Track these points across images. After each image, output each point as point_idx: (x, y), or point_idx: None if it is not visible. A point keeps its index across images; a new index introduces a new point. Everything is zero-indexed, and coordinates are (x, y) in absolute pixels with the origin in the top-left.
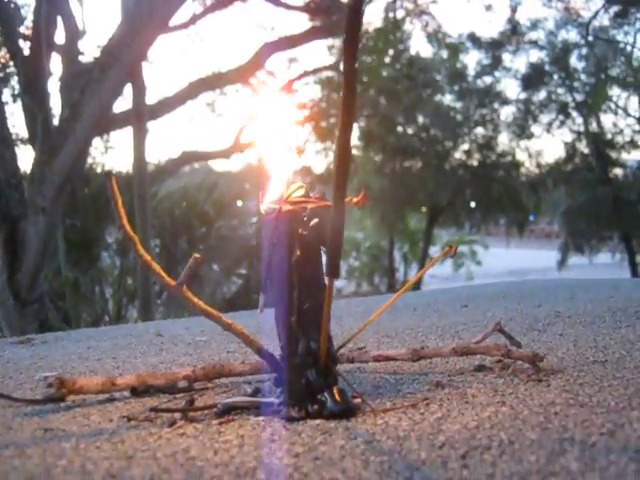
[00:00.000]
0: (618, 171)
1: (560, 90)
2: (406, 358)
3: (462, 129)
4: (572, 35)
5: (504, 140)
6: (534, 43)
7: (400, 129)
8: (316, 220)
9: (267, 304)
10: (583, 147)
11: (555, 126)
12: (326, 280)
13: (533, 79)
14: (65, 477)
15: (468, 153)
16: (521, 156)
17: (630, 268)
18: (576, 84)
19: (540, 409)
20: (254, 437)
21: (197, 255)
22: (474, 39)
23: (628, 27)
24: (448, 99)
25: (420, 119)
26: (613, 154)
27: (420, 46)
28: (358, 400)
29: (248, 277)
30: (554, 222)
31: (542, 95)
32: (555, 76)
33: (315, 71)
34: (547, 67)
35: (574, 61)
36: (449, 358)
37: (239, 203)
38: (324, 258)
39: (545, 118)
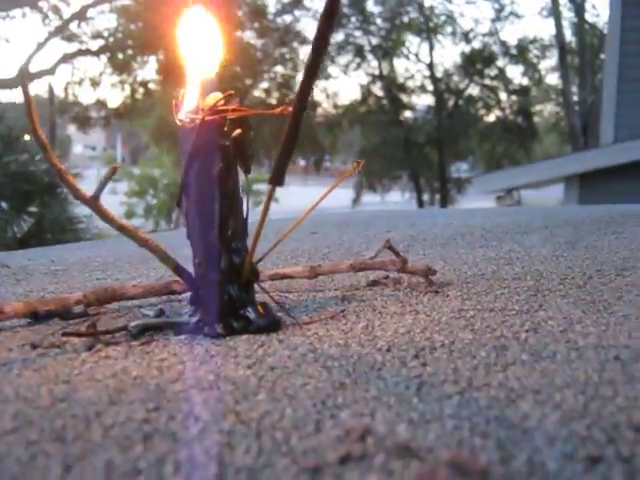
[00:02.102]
0: (409, 114)
1: (357, 33)
2: (303, 275)
3: (262, 67)
4: None
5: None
6: None
7: None
8: (238, 131)
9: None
10: (377, 90)
11: (351, 68)
12: (268, 187)
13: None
14: (6, 406)
15: (267, 92)
16: (319, 96)
17: (418, 205)
18: (372, 28)
19: (456, 314)
20: (189, 354)
21: (116, 165)
22: None
23: None
24: (248, 36)
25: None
26: (405, 97)
27: None
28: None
29: (40, 215)
30: (348, 161)
31: (340, 37)
32: (352, 19)
33: None
34: (345, 10)
35: (370, 5)
36: (340, 275)
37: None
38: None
39: (342, 60)
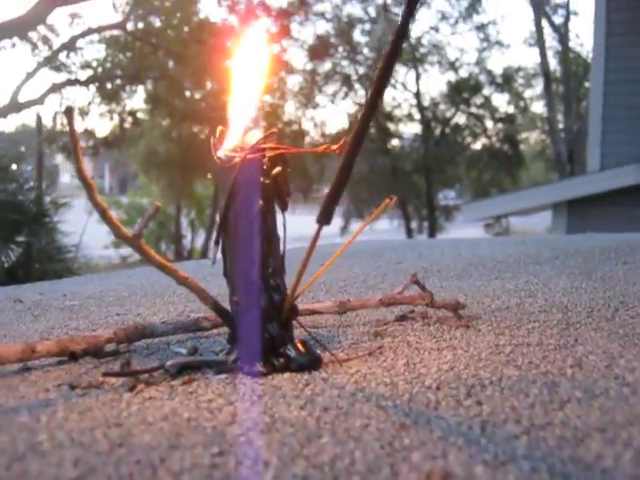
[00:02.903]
0: (396, 142)
1: (344, 62)
2: (332, 311)
3: None
4: (357, 10)
5: (290, 109)
6: (321, 15)
7: (188, 94)
8: (278, 168)
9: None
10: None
11: (339, 97)
12: (316, 226)
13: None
14: (64, 452)
15: (255, 120)
16: (307, 125)
17: (406, 232)
18: (359, 57)
19: (494, 350)
20: (235, 394)
21: (157, 203)
22: (264, 7)
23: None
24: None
25: (209, 84)
26: (392, 126)
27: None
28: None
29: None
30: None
31: (327, 66)
32: (340, 49)
33: (100, 29)
34: (332, 39)
35: (357, 35)
36: (368, 310)
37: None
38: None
39: (330, 89)
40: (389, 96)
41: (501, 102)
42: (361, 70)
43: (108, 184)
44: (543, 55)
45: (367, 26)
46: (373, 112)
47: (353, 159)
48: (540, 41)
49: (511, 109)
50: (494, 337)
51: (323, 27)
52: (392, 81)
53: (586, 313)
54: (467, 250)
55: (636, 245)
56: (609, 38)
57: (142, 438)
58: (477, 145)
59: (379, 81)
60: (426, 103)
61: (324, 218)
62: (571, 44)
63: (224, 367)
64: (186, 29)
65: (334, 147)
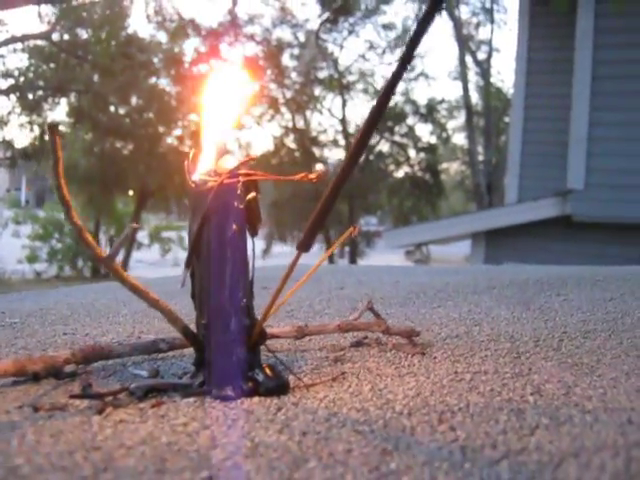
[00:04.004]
0: (320, 167)
1: (272, 85)
2: (291, 336)
3: (176, 114)
4: (286, 34)
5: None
6: (251, 37)
7: (113, 109)
8: (253, 194)
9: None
10: (290, 142)
11: (265, 119)
12: (295, 251)
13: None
14: (46, 476)
15: (181, 139)
16: (231, 146)
17: (328, 260)
18: (287, 81)
19: (454, 377)
20: (209, 418)
21: (135, 224)
22: (194, 26)
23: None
24: (164, 83)
25: (134, 100)
26: (317, 151)
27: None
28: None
29: None
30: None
31: (255, 88)
32: (268, 71)
33: (24, 38)
34: (260, 62)
35: (286, 59)
36: (323, 336)
37: None
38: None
39: (256, 111)
40: (315, 121)
41: (424, 132)
42: (288, 94)
43: (24, 197)
44: (466, 89)
45: (296, 51)
46: (360, 153)
47: (336, 194)
48: (463, 75)
49: (433, 139)
50: (451, 364)
51: (252, 49)
52: (318, 107)
53: (533, 343)
54: (404, 278)
55: (567, 278)
56: (529, 76)
57: (126, 462)
58: (399, 173)
59: (369, 124)
60: (351, 130)
61: (304, 246)
62: (493, 80)
63: (191, 390)
64: (113, 43)
65: (311, 176)
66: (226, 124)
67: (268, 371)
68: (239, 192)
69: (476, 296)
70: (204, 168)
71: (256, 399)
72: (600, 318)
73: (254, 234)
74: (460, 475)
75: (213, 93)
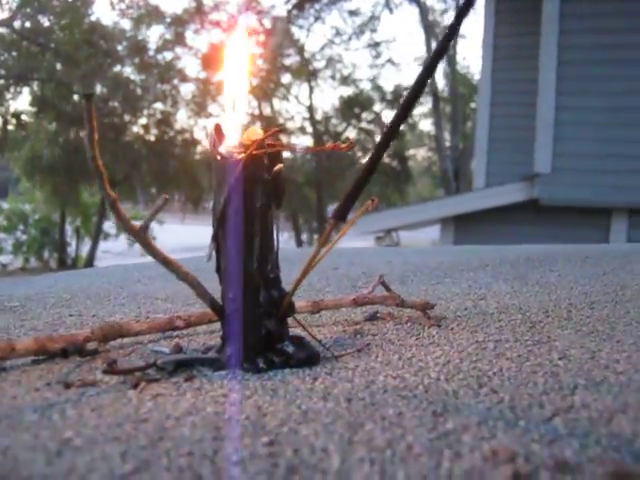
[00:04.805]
0: (288, 155)
1: None
2: (306, 310)
3: (141, 103)
4: (252, 21)
5: (183, 117)
6: (217, 24)
7: (77, 97)
8: (280, 165)
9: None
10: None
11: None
12: (329, 222)
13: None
14: (102, 447)
15: (146, 128)
16: (199, 134)
17: (297, 244)
18: (253, 69)
19: (478, 346)
20: (247, 389)
21: (166, 195)
22: (159, 13)
23: (303, 20)
24: (128, 71)
25: (99, 89)
26: (284, 138)
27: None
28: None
29: None
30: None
31: (221, 76)
32: None
33: None
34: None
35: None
36: (333, 311)
37: None
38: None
39: (222, 99)
40: (282, 109)
41: (391, 118)
42: (254, 81)
43: None
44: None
45: (262, 37)
46: (405, 118)
47: (377, 163)
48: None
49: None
50: (470, 334)
51: (218, 36)
52: (285, 94)
53: (542, 314)
54: (396, 258)
55: (556, 255)
56: (496, 61)
57: (179, 432)
58: (366, 160)
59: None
60: (318, 117)
61: (340, 215)
62: (459, 66)
63: (220, 364)
64: (76, 31)
65: (342, 146)
66: (243, 93)
67: (298, 343)
68: (266, 163)
69: (472, 273)
70: (230, 140)
71: (288, 371)
72: (600, 291)
73: (279, 206)
74: (518, 432)
75: (231, 63)
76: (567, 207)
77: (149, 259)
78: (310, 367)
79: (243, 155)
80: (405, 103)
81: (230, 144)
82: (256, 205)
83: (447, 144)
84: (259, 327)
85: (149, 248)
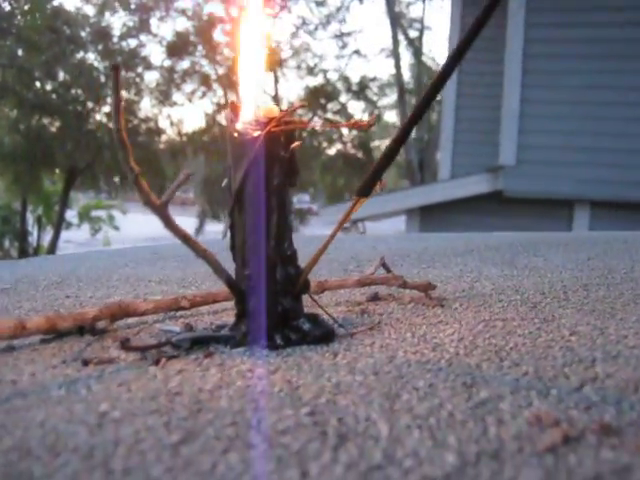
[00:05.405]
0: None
1: (203, 62)
2: (311, 290)
3: (105, 90)
4: (218, 9)
5: (147, 106)
6: (182, 12)
7: (39, 84)
8: (297, 143)
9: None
10: (222, 119)
11: (197, 96)
12: (353, 198)
13: (179, 47)
14: (143, 419)
15: (109, 116)
16: (163, 123)
17: None
18: (219, 57)
19: (486, 323)
20: (270, 365)
21: (188, 171)
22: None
23: (269, 9)
24: (91, 58)
25: (61, 76)
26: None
27: None
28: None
29: None
30: (190, 190)
31: (186, 64)
32: (200, 47)
33: None
34: (192, 38)
35: (218, 34)
36: (333, 292)
37: None
38: None
39: (188, 87)
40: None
41: (357, 109)
42: (220, 70)
43: None
44: (398, 66)
45: (228, 26)
46: (431, 100)
47: (403, 141)
48: (395, 53)
49: (366, 117)
50: (475, 314)
51: (183, 24)
52: None
53: (540, 295)
54: (379, 244)
55: (537, 242)
56: None
57: (217, 404)
58: (332, 150)
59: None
60: (284, 106)
61: (364, 191)
62: (425, 58)
63: (235, 342)
64: (38, 16)
65: (363, 122)
66: (260, 71)
67: (314, 320)
68: (283, 141)
69: (459, 258)
70: (247, 117)
71: (305, 347)
72: (589, 274)
73: (293, 184)
74: (552, 400)
75: (245, 41)
76: (531, 199)
77: (125, 245)
78: (326, 344)
79: (261, 132)
80: (440, 75)
81: (246, 121)
82: (274, 182)
83: (412, 135)
84: (275, 304)
85: (169, 224)
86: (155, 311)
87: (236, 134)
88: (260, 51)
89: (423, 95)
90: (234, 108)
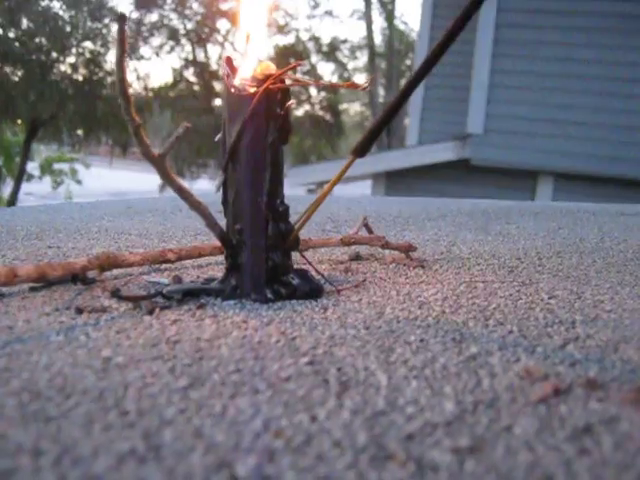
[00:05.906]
0: (219, 101)
1: (172, 16)
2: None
3: (70, 41)
4: None
5: (113, 58)
6: None
7: (1, 31)
8: (292, 101)
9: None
10: (190, 75)
11: (165, 51)
12: (349, 156)
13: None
14: (147, 365)
15: (74, 67)
16: (130, 77)
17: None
18: (188, 12)
19: (467, 284)
20: (263, 317)
21: (187, 123)
22: None
23: None
24: (57, 7)
25: (25, 24)
26: (217, 85)
27: None
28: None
29: None
30: (156, 145)
31: (154, 18)
32: (168, 0)
33: None
34: None
35: None
36: (317, 250)
37: None
38: None
39: (155, 41)
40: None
41: (326, 71)
42: (189, 25)
43: None
44: (369, 29)
45: None
46: (437, 59)
47: (404, 101)
48: (367, 16)
49: (335, 79)
50: (455, 276)
51: None
52: (220, 41)
53: (516, 260)
54: (354, 205)
55: (508, 210)
56: (434, 19)
57: (218, 352)
58: (300, 111)
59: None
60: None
61: (360, 151)
62: (396, 22)
63: (225, 294)
64: None
65: (359, 84)
66: (260, 29)
67: (304, 275)
68: (278, 98)
69: (433, 222)
70: (244, 73)
71: (295, 302)
72: (561, 242)
73: (285, 142)
74: (539, 356)
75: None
76: (496, 168)
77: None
78: (315, 299)
79: (258, 89)
80: (444, 38)
81: (243, 77)
82: (268, 139)
83: (381, 100)
84: (266, 259)
85: (166, 176)
86: (142, 263)
87: (233, 90)
88: (262, 5)
89: (431, 51)
90: (229, 64)
